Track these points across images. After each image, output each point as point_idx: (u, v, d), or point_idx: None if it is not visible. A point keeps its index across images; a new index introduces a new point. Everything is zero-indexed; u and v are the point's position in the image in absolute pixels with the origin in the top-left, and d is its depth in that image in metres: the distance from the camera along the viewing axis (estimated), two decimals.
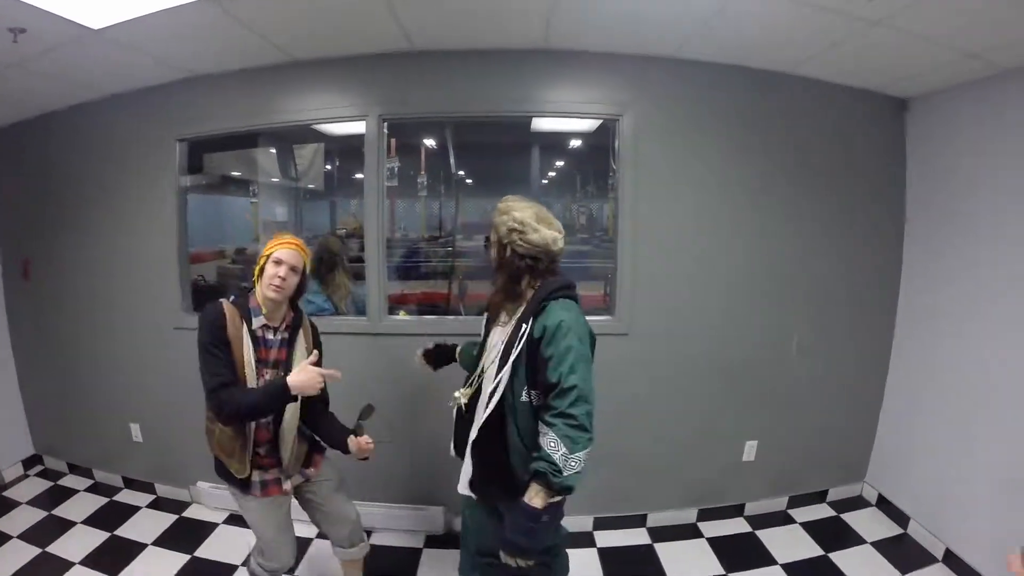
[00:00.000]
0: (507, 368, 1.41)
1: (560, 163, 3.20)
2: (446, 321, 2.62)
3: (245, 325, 1.59)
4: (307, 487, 1.84)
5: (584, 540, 2.52)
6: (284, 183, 3.25)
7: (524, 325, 1.40)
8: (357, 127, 2.50)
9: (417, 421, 2.49)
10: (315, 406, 1.78)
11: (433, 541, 2.58)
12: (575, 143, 2.95)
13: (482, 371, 1.56)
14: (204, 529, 2.70)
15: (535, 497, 1.30)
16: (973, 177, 2.29)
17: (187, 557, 2.48)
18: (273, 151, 3.08)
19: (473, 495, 1.57)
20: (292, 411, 1.68)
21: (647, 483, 2.58)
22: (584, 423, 1.29)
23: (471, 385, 1.59)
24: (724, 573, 2.32)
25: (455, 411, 1.65)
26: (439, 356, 1.95)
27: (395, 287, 2.59)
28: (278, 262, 1.61)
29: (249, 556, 2.14)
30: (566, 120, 2.62)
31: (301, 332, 1.73)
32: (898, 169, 2.61)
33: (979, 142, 2.26)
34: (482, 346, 1.65)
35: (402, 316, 2.57)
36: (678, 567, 2.37)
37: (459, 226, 3.38)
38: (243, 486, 1.69)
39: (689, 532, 2.58)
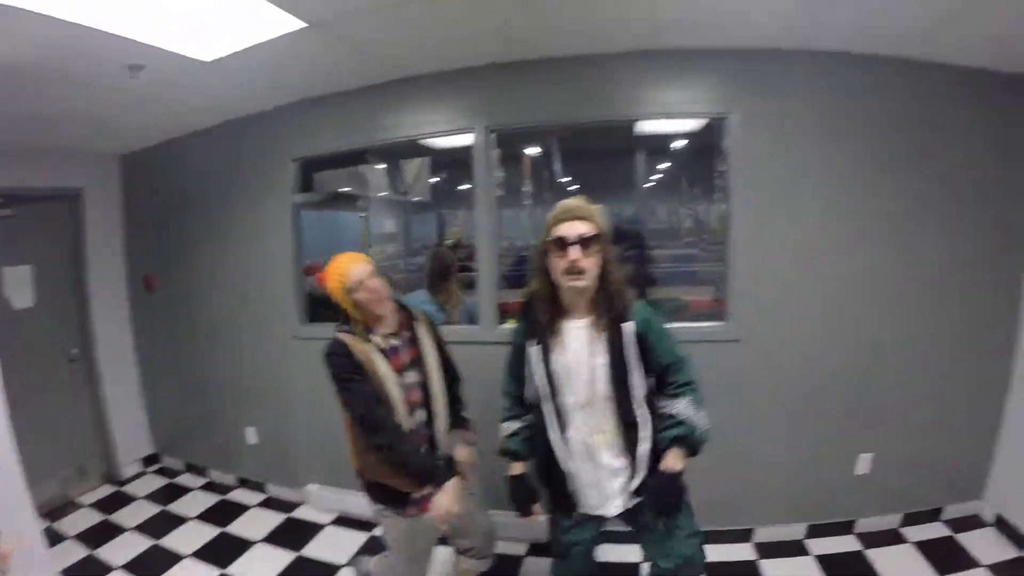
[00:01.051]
0: (636, 368, 1.46)
1: (665, 165, 3.14)
2: None
3: (370, 345, 1.62)
4: None
5: None
6: (392, 197, 3.36)
7: (621, 325, 1.45)
8: (462, 140, 2.54)
9: None
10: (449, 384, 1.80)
11: (536, 549, 2.53)
12: (680, 144, 2.88)
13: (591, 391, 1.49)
14: (312, 529, 2.80)
15: (676, 462, 1.44)
16: None
17: (294, 555, 2.58)
18: (381, 167, 3.19)
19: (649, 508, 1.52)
20: (441, 403, 1.75)
21: (754, 495, 2.47)
22: (697, 385, 1.48)
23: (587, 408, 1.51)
24: None
25: (583, 446, 1.53)
26: (528, 491, 1.68)
27: (503, 296, 2.59)
28: (356, 286, 1.60)
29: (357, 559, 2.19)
30: (671, 121, 2.56)
31: (419, 325, 1.76)
32: None
33: None
34: (547, 374, 1.52)
35: (511, 324, 2.60)
36: None
37: None
38: (401, 504, 1.67)
39: (796, 549, 2.44)
